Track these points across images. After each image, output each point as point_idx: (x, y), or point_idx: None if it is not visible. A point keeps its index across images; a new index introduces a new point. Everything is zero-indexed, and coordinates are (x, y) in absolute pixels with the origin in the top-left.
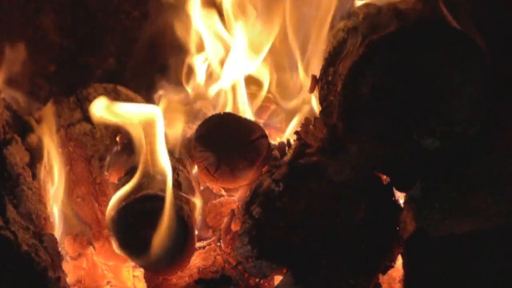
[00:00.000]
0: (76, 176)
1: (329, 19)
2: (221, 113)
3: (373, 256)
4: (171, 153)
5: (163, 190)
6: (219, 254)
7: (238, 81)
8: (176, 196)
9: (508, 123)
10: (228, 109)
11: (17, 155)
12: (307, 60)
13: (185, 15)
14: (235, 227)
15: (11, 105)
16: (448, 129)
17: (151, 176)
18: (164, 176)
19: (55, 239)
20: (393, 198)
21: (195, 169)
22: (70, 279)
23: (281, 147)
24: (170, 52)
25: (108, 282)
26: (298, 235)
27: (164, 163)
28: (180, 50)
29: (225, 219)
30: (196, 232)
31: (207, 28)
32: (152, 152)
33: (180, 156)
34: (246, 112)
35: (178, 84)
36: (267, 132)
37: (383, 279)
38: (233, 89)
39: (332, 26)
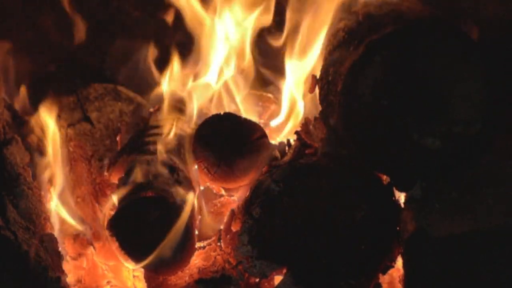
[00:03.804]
0: (76, 176)
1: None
2: (221, 113)
3: (373, 256)
4: (172, 153)
5: (164, 190)
6: (219, 254)
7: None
8: (177, 196)
9: (508, 123)
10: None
11: (17, 155)
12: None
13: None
14: (235, 227)
15: (11, 105)
16: (448, 129)
17: (152, 176)
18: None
19: (55, 239)
20: (393, 198)
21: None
22: (70, 279)
23: (281, 147)
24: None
25: (108, 282)
26: (298, 235)
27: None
28: (181, 49)
29: (225, 219)
30: (196, 232)
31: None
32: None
33: (181, 156)
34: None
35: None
36: (267, 132)
37: (383, 279)
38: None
39: (332, 26)
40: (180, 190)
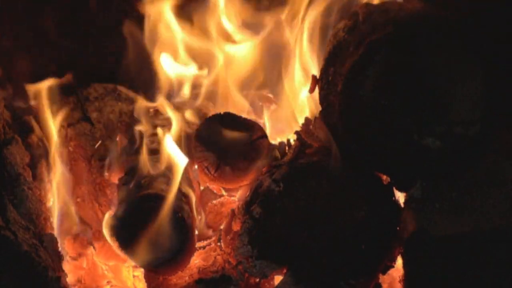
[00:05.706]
0: (76, 176)
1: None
2: (221, 113)
3: (373, 256)
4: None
5: (164, 190)
6: (219, 254)
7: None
8: (177, 196)
9: (508, 123)
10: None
11: (17, 155)
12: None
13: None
14: (235, 227)
15: (11, 105)
16: (448, 129)
17: (151, 176)
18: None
19: (55, 239)
20: (393, 198)
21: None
22: (70, 279)
23: (281, 147)
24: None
25: (108, 282)
26: (298, 235)
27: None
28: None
29: (225, 219)
30: (196, 232)
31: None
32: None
33: None
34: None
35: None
36: (267, 132)
37: (383, 279)
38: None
39: (332, 26)
40: (180, 190)
